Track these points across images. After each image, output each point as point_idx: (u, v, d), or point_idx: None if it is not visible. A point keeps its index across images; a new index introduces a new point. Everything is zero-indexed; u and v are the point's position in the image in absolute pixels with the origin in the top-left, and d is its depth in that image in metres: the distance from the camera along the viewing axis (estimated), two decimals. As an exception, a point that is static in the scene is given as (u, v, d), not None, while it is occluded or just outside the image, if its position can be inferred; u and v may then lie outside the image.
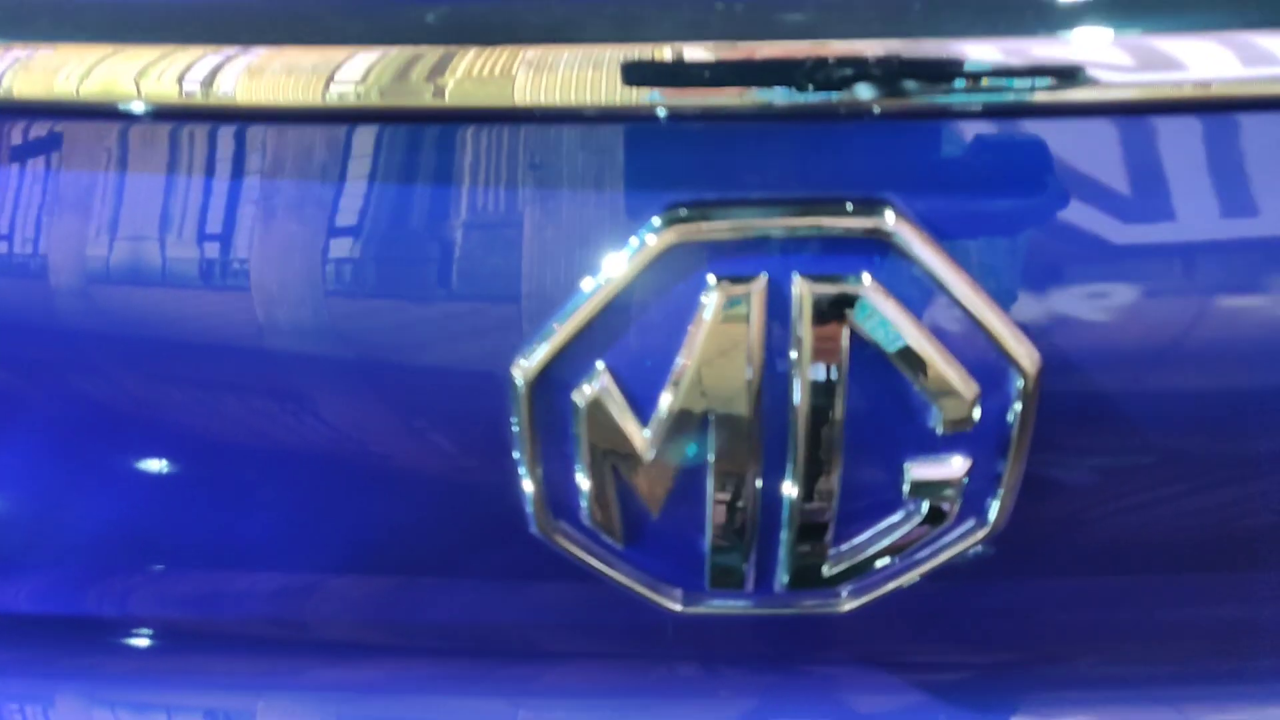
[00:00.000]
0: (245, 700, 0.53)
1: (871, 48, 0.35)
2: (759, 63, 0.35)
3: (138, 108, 0.39)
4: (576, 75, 0.35)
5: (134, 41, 0.39)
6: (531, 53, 0.35)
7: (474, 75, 0.36)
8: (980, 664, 0.49)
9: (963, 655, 0.49)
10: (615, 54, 0.35)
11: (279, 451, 0.45)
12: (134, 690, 0.54)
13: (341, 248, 0.40)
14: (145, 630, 0.54)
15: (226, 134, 0.40)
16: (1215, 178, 0.38)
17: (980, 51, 0.35)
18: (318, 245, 0.40)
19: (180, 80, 0.38)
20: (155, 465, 0.48)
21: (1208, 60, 0.35)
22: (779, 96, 0.35)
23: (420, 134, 0.38)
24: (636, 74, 0.35)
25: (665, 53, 0.35)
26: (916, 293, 0.37)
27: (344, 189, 0.39)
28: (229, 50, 0.38)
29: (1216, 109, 0.36)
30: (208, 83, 0.38)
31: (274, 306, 0.41)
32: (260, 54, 0.38)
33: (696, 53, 0.35)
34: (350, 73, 0.37)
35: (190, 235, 0.41)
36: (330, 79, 0.37)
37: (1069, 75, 0.35)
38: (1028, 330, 0.38)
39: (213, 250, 0.41)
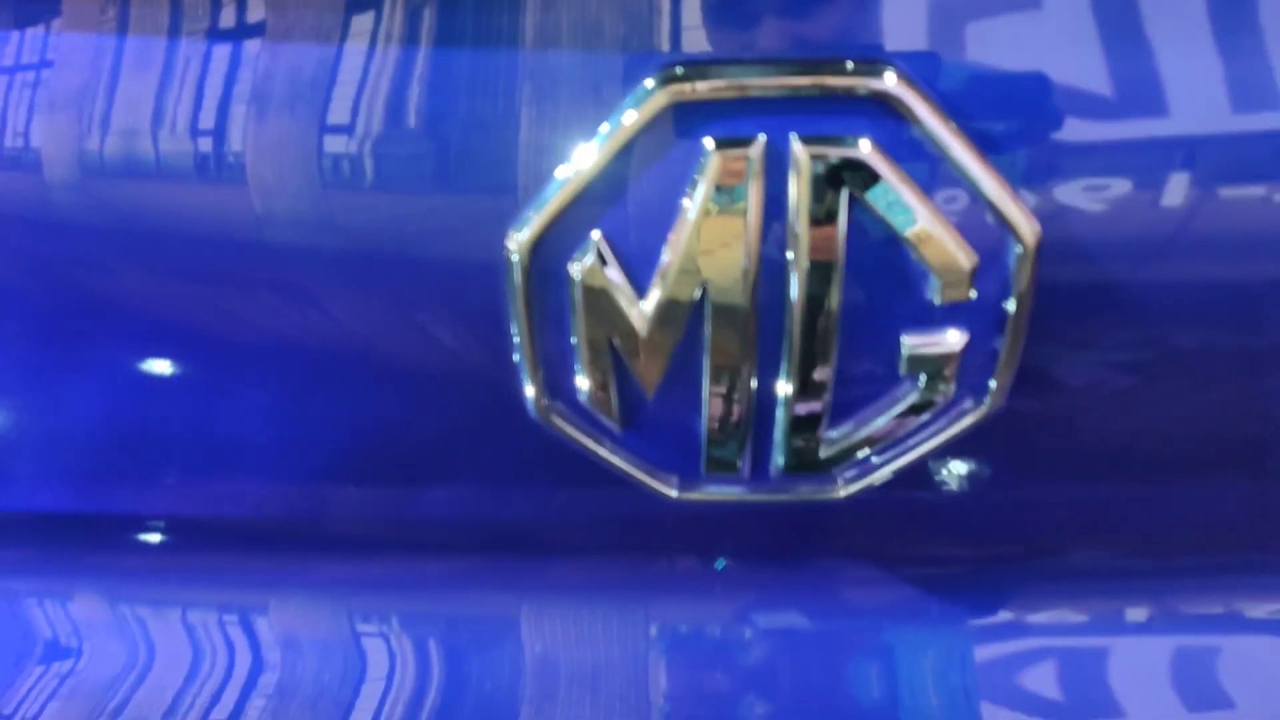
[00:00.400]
0: (256, 594, 0.54)
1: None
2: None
3: None
4: None
5: None
6: None
7: None
8: (977, 557, 0.49)
9: (959, 548, 0.49)
10: None
11: (281, 346, 0.45)
12: (149, 585, 0.55)
13: (336, 132, 0.39)
14: (158, 527, 0.55)
15: (224, 10, 0.39)
16: (1230, 56, 0.37)
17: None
18: (313, 131, 0.39)
19: None
20: (161, 365, 0.48)
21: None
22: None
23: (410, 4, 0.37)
24: None
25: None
26: (917, 159, 0.36)
27: (339, 64, 0.39)
28: None
29: None
30: None
31: (271, 197, 0.41)
32: None
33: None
34: None
35: (184, 124, 0.41)
36: None
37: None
38: (1030, 202, 0.37)
39: (207, 141, 0.41)
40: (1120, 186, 0.38)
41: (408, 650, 0.50)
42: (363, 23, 0.38)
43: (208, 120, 0.40)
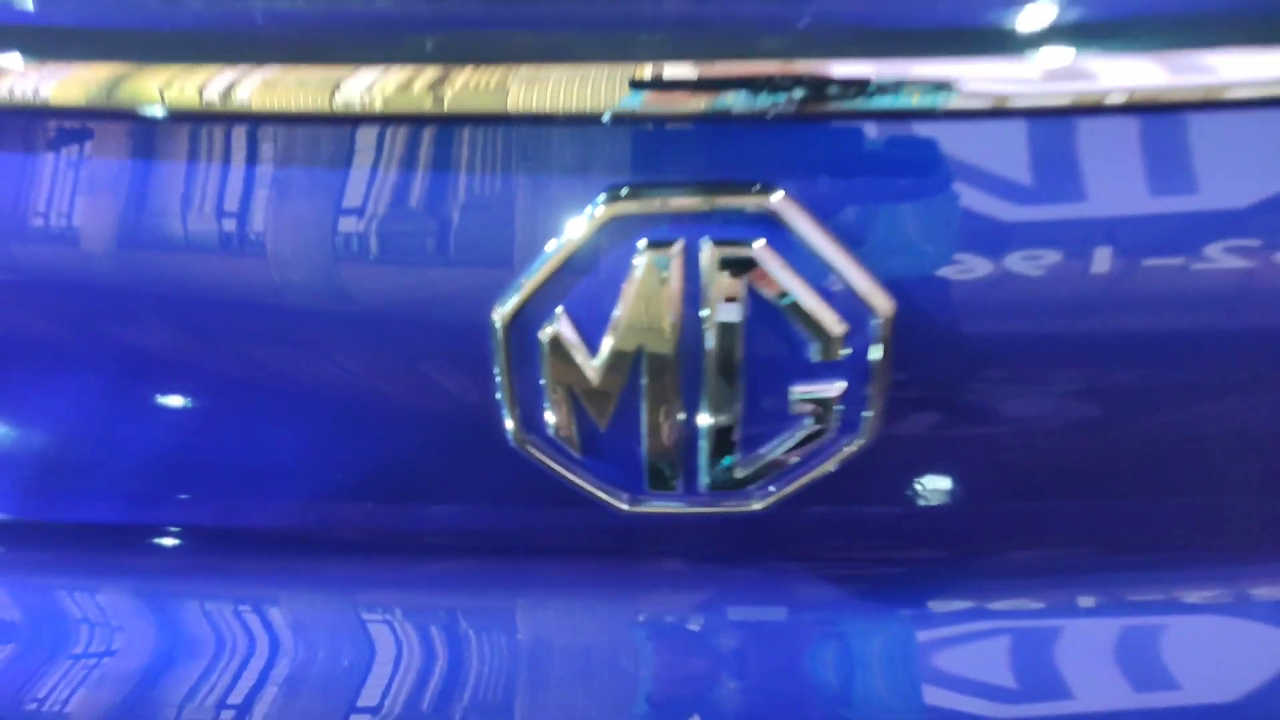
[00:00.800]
0: (267, 590, 0.65)
1: (766, 68, 0.46)
2: (680, 81, 0.46)
3: (159, 113, 0.50)
4: (528, 92, 0.46)
5: (155, 61, 0.50)
6: (496, 73, 0.47)
7: (469, 87, 0.47)
8: (870, 556, 0.61)
9: (858, 549, 0.61)
10: (566, 75, 0.46)
11: (305, 390, 0.57)
12: (172, 581, 0.66)
13: (351, 225, 0.51)
14: (180, 534, 0.66)
15: (261, 132, 0.51)
16: (1022, 175, 0.49)
17: (847, 70, 0.46)
18: (330, 224, 0.51)
19: (200, 90, 0.49)
20: (192, 402, 0.59)
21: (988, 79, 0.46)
22: (695, 106, 0.46)
23: (417, 133, 0.49)
24: (585, 91, 0.46)
25: (611, 73, 0.46)
26: (798, 255, 0.48)
27: (352, 177, 0.51)
28: (245, 68, 0.49)
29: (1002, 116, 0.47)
30: (226, 93, 0.49)
31: (291, 271, 0.52)
32: (274, 70, 0.48)
33: (634, 72, 0.46)
34: (357, 84, 0.48)
35: (223, 214, 0.52)
36: (335, 89, 0.48)
37: (909, 90, 0.46)
38: (887, 283, 0.49)
39: (232, 222, 0.52)
40: (957, 269, 0.50)
41: (410, 635, 0.62)
42: (368, 138, 0.50)
43: (238, 205, 0.52)
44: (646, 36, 0.46)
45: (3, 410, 0.62)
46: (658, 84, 0.46)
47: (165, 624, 0.66)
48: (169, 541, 0.67)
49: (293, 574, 0.65)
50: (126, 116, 0.51)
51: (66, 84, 0.50)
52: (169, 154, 0.52)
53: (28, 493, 0.64)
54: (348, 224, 0.51)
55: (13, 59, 0.50)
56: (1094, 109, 0.47)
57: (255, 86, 0.48)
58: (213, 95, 0.49)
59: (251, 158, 0.51)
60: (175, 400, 0.59)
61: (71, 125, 0.52)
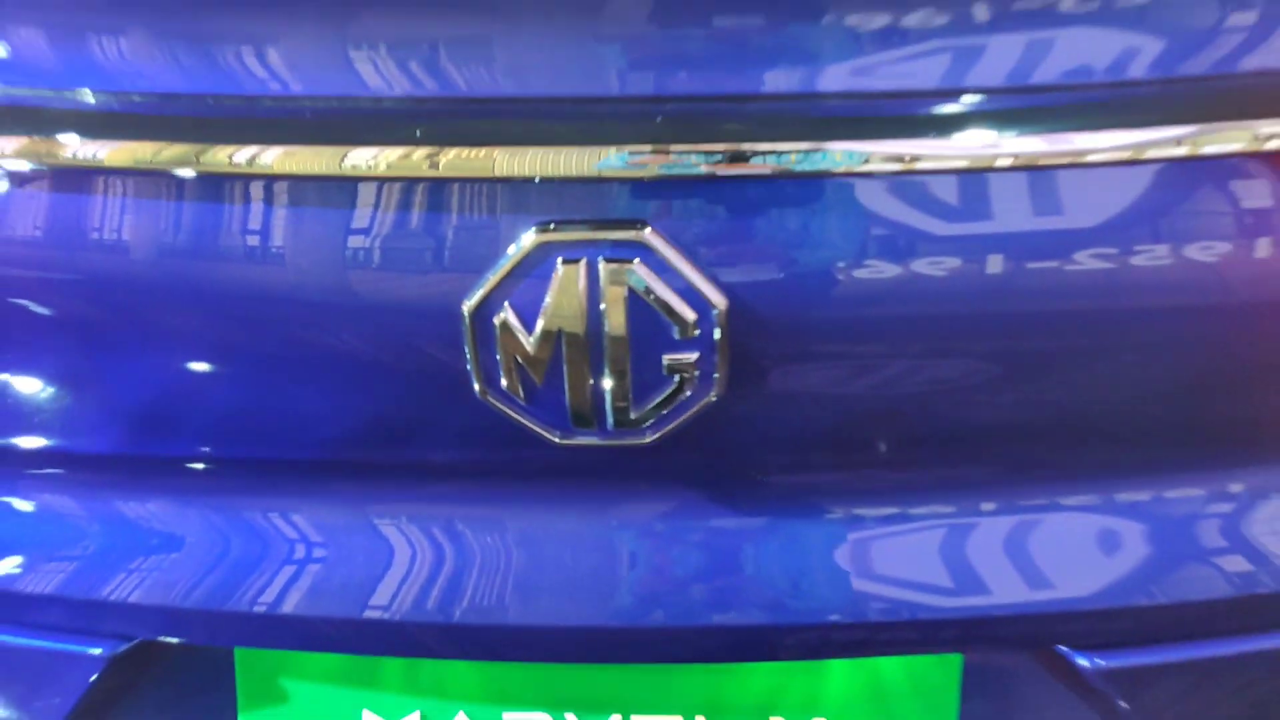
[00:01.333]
0: (278, 501, 0.88)
1: (639, 150, 0.71)
2: (579, 155, 0.71)
3: (193, 173, 0.74)
4: (484, 162, 0.71)
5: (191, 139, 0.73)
6: (452, 154, 0.72)
7: (451, 160, 0.71)
8: (730, 474, 0.86)
9: (722, 470, 0.85)
10: (507, 153, 0.71)
11: (331, 360, 0.81)
12: (229, 498, 0.88)
13: (360, 242, 0.75)
14: (217, 461, 0.88)
15: (280, 185, 0.75)
16: (809, 215, 0.73)
17: (687, 149, 0.71)
18: (343, 242, 0.75)
19: (230, 156, 0.73)
20: (241, 370, 0.82)
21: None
22: (590, 171, 0.71)
23: (411, 187, 0.74)
24: (523, 162, 0.71)
25: (538, 152, 0.71)
26: (662, 268, 0.73)
27: (357, 213, 0.75)
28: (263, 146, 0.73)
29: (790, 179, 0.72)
30: (251, 160, 0.73)
31: (316, 277, 0.77)
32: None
33: (550, 155, 0.71)
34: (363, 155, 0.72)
35: (249, 233, 0.77)
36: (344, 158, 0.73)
37: (737, 156, 0.71)
38: (722, 286, 0.74)
39: (256, 237, 0.77)
40: (770, 276, 0.74)
41: (413, 533, 0.87)
42: (368, 194, 0.75)
43: (260, 224, 0.76)
44: (560, 128, 0.72)
45: (105, 380, 0.86)
46: (565, 160, 0.71)
47: (221, 527, 0.88)
48: (198, 466, 0.88)
49: (321, 494, 0.89)
50: (165, 175, 0.75)
51: (118, 152, 0.74)
52: (205, 196, 0.76)
53: (128, 433, 0.89)
54: (357, 241, 0.76)
55: (71, 138, 0.75)
56: (853, 174, 0.72)
57: (277, 155, 0.72)
58: (240, 160, 0.73)
59: (274, 199, 0.75)
60: (229, 368, 0.83)
61: (120, 180, 0.76)
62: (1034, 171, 0.73)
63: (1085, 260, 0.75)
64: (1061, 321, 0.78)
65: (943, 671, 0.90)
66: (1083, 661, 0.86)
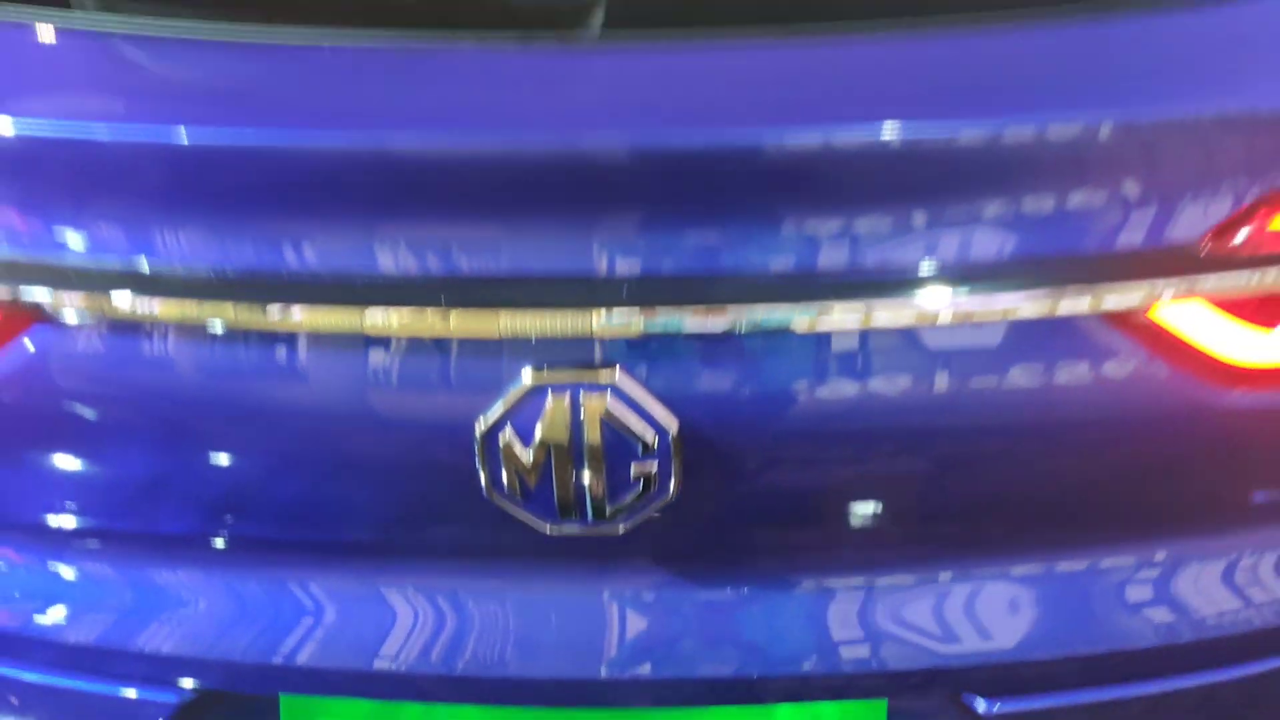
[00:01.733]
0: (317, 575, 1.06)
1: (605, 317, 0.92)
2: (564, 318, 0.93)
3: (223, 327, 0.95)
4: (489, 324, 0.93)
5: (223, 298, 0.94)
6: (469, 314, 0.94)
7: (470, 320, 0.93)
8: (692, 557, 1.06)
9: (681, 552, 1.06)
10: (510, 317, 0.93)
11: (368, 463, 1.02)
12: (251, 573, 1.06)
13: (391, 380, 0.97)
14: (266, 544, 1.05)
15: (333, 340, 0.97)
16: (748, 362, 0.95)
17: (647, 318, 0.92)
18: (376, 378, 0.97)
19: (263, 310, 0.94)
20: (272, 465, 1.00)
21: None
22: (572, 330, 0.93)
23: (433, 341, 0.96)
24: (520, 323, 0.93)
25: (529, 315, 0.93)
26: (630, 402, 0.94)
27: (390, 348, 0.97)
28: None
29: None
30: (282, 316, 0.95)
31: (353, 407, 0.98)
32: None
33: (536, 319, 0.93)
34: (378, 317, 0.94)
35: (299, 376, 0.98)
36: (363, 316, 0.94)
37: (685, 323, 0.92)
38: (677, 414, 0.95)
39: (318, 377, 0.98)
40: (714, 409, 0.96)
41: (423, 604, 1.07)
42: (399, 344, 0.96)
43: (308, 367, 0.98)
44: (549, 296, 0.93)
45: (187, 477, 1.05)
46: (553, 321, 0.93)
47: (269, 597, 1.05)
48: (282, 550, 1.05)
49: (351, 570, 1.04)
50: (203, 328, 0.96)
51: (167, 305, 0.93)
52: (238, 340, 0.97)
53: (205, 519, 1.08)
54: (390, 378, 0.97)
55: (124, 295, 0.93)
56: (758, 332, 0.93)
57: (303, 312, 0.94)
58: (273, 317, 0.94)
59: (324, 349, 0.96)
60: (287, 474, 1.00)
61: (169, 329, 0.97)
62: (907, 331, 0.95)
63: (964, 398, 0.97)
64: (931, 440, 0.99)
65: (871, 714, 1.10)
66: (981, 706, 1.07)
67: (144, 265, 0.94)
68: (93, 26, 1.00)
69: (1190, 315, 0.96)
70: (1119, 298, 0.93)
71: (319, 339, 0.96)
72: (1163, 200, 0.93)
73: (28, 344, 0.98)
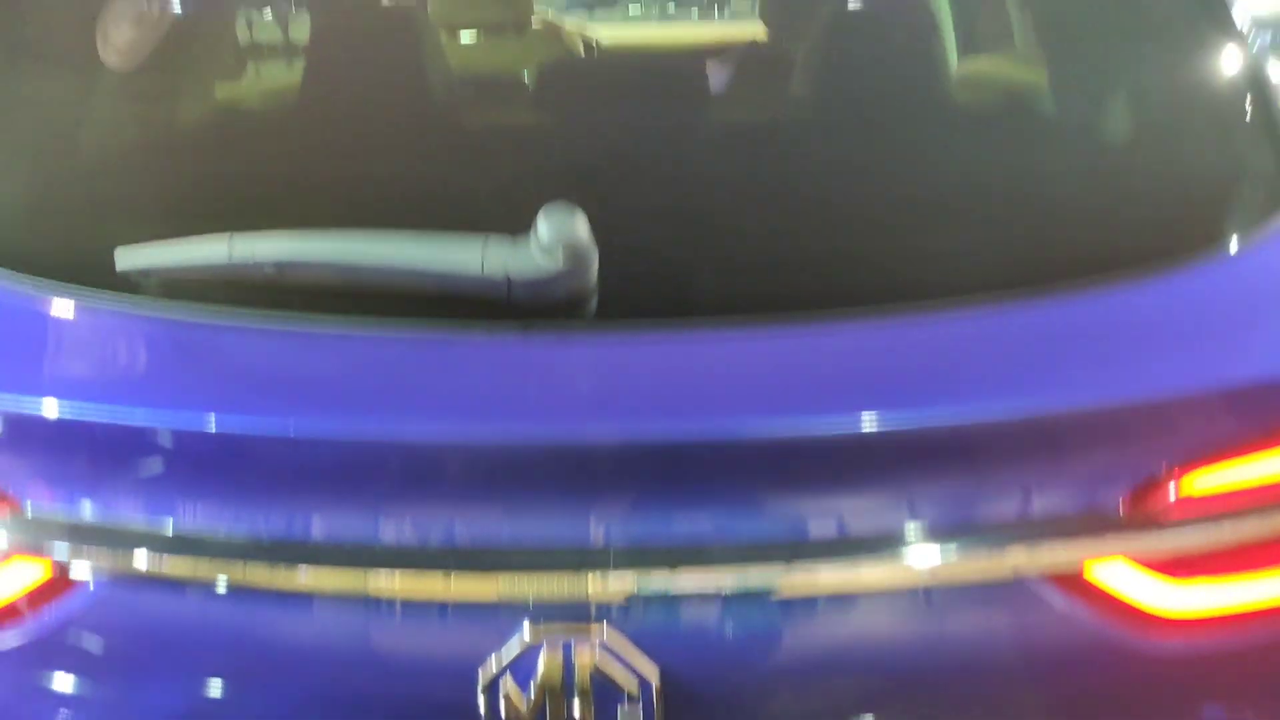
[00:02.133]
0: None
1: (602, 578, 1.05)
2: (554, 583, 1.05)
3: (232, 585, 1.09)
4: (488, 588, 1.06)
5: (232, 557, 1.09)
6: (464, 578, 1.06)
7: (479, 584, 1.06)
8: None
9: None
10: (504, 580, 1.05)
11: (381, 693, 1.14)
12: None
13: (404, 632, 1.09)
14: None
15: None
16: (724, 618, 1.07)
17: (634, 581, 1.05)
18: (391, 630, 1.09)
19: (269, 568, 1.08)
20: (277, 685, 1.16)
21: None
22: (568, 594, 1.05)
23: (438, 605, 1.08)
24: (515, 586, 1.05)
25: (512, 578, 1.06)
26: (618, 655, 1.06)
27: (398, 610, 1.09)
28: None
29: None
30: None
31: (366, 653, 1.10)
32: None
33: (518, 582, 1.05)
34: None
35: (327, 630, 1.11)
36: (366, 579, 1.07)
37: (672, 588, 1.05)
38: (660, 666, 1.07)
39: (348, 629, 1.11)
40: (691, 663, 1.07)
41: None
42: (411, 607, 1.09)
43: (334, 624, 1.11)
44: (543, 562, 1.06)
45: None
46: (546, 584, 1.05)
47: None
48: None
49: None
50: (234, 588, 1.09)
51: (175, 563, 1.08)
52: (269, 599, 1.10)
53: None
54: (402, 631, 1.09)
55: (142, 554, 1.07)
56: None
57: (309, 573, 1.07)
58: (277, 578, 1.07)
59: (356, 611, 1.10)
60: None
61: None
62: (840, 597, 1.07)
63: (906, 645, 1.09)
64: (901, 690, 1.11)
65: None
66: None
67: (171, 528, 1.09)
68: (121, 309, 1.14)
69: (1116, 572, 1.09)
70: (1054, 558, 1.06)
71: (342, 601, 1.09)
72: (1085, 476, 1.06)
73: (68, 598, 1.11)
